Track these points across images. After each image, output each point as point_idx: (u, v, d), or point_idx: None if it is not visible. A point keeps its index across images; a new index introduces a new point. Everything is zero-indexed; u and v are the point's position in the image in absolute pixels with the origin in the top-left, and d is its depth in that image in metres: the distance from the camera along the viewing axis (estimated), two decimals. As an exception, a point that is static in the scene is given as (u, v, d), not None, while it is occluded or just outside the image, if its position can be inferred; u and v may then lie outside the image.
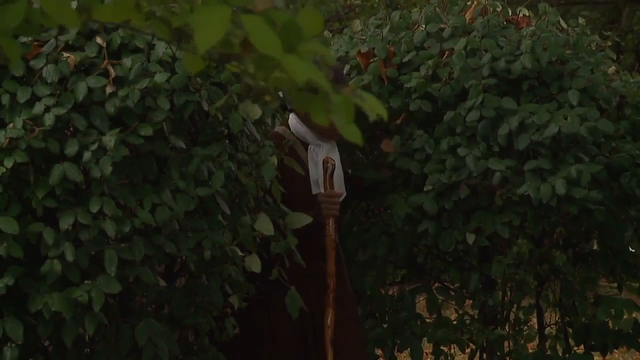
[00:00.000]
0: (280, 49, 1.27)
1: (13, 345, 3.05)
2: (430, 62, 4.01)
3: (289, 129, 3.91)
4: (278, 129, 3.92)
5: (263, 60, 1.31)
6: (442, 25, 4.16)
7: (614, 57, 4.33)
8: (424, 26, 4.16)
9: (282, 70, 1.29)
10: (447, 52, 4.08)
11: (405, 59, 4.07)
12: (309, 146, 3.89)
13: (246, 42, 1.31)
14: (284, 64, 1.29)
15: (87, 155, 3.03)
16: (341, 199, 3.85)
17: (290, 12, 1.33)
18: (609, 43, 4.34)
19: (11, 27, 1.29)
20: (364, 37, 4.29)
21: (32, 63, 3.14)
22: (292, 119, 3.90)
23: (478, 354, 4.44)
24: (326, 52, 1.33)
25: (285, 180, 3.63)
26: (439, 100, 4.00)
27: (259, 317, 3.80)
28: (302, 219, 3.59)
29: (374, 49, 4.16)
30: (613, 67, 4.19)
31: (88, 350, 3.32)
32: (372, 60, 4.17)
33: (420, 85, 3.97)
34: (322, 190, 3.80)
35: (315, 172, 3.83)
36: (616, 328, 4.32)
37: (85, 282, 3.03)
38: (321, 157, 3.84)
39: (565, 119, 3.74)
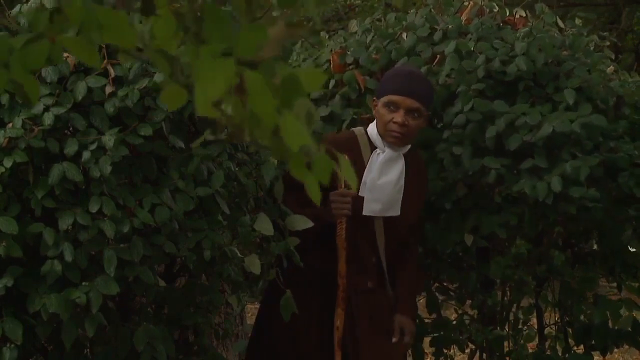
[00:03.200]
0: (273, 115, 1.25)
1: (12, 345, 3.04)
2: (422, 69, 3.99)
3: (365, 130, 3.78)
4: (355, 129, 3.81)
5: (254, 119, 1.29)
6: (436, 26, 4.15)
7: (613, 57, 4.32)
8: (405, 35, 4.14)
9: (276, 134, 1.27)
10: (438, 56, 4.06)
11: (397, 65, 4.05)
12: (375, 150, 3.73)
13: (240, 89, 1.28)
14: (282, 125, 1.27)
15: (86, 155, 3.03)
16: (386, 214, 3.70)
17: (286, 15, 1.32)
18: (607, 43, 4.33)
19: (39, 67, 1.28)
20: (344, 45, 4.24)
21: (31, 63, 3.14)
22: (374, 122, 3.76)
23: (478, 354, 4.44)
24: (312, 107, 1.31)
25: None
26: None
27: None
28: (302, 222, 3.57)
29: (358, 59, 4.13)
30: (612, 66, 4.19)
31: (88, 351, 3.31)
32: (348, 68, 4.15)
33: None
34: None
35: (368, 175, 3.68)
36: (616, 328, 4.32)
37: (83, 283, 3.03)
38: (382, 160, 3.69)
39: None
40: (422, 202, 3.89)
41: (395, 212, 3.71)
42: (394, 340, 3.75)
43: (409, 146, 3.75)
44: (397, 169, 3.70)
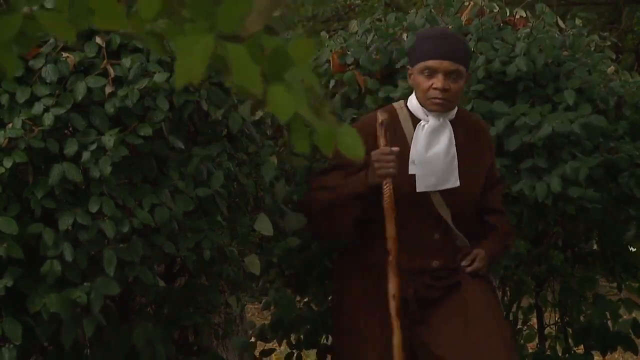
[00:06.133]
0: (259, 84, 1.25)
1: (11, 346, 3.05)
2: None
3: (405, 103, 3.55)
4: (394, 104, 3.58)
5: (243, 90, 1.30)
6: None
7: (613, 57, 4.32)
8: (405, 35, 4.13)
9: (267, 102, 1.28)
10: None
11: (398, 65, 4.05)
12: (419, 123, 3.49)
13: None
14: (268, 97, 1.27)
15: (86, 155, 3.03)
16: (443, 186, 3.44)
17: (283, 35, 1.33)
18: (608, 43, 4.33)
19: (7, 39, 1.29)
20: (344, 45, 4.22)
21: (31, 63, 3.14)
22: (413, 94, 3.53)
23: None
24: (314, 79, 1.31)
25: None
26: None
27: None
28: (300, 220, 3.56)
29: (358, 59, 4.12)
30: (612, 67, 4.19)
31: (87, 351, 3.32)
32: (348, 68, 4.14)
33: (404, 96, 3.93)
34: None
35: (415, 151, 3.45)
36: (616, 328, 4.32)
37: (84, 284, 3.03)
38: (426, 131, 3.45)
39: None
40: (486, 164, 3.61)
41: (454, 182, 3.47)
42: (462, 263, 3.50)
43: (455, 111, 3.53)
44: (445, 137, 3.47)
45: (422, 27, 4.11)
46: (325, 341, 4.19)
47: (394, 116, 3.50)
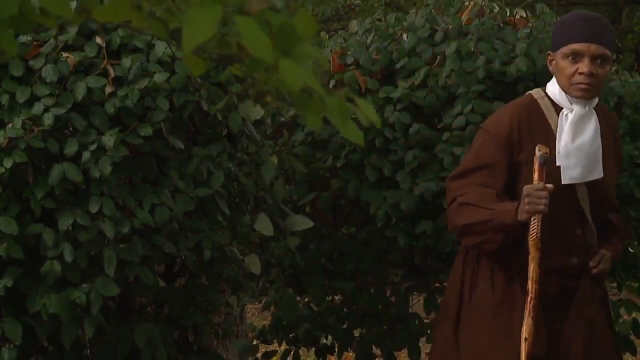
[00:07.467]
0: (271, 52, 1.27)
1: (11, 346, 3.05)
2: (423, 70, 3.97)
3: (544, 91, 3.33)
4: (532, 92, 3.37)
5: (256, 63, 1.31)
6: (437, 27, 4.14)
7: (613, 57, 4.32)
8: (405, 35, 4.13)
9: (278, 74, 1.29)
10: (439, 57, 4.05)
11: (398, 65, 4.04)
12: (562, 111, 3.27)
13: (241, 44, 1.32)
14: (279, 68, 1.29)
15: (86, 155, 3.03)
16: (589, 178, 3.23)
17: (287, 13, 1.34)
18: (608, 43, 4.33)
19: (5, 18, 1.29)
20: (344, 45, 4.21)
21: (31, 63, 3.14)
22: (553, 81, 3.32)
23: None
24: (322, 56, 1.32)
25: (529, 148, 3.21)
26: (425, 107, 3.96)
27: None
28: (303, 222, 3.56)
29: (358, 60, 4.11)
30: (612, 67, 4.19)
31: (88, 351, 3.32)
32: (348, 68, 4.13)
33: (404, 96, 3.94)
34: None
35: (560, 141, 3.23)
36: (616, 329, 4.32)
37: (84, 285, 3.03)
38: (572, 120, 3.23)
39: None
40: (620, 158, 3.50)
41: (599, 174, 3.27)
42: (590, 264, 3.28)
43: (597, 99, 3.32)
44: (592, 126, 3.27)
45: (422, 27, 4.11)
46: (324, 340, 4.20)
47: (535, 106, 3.34)
